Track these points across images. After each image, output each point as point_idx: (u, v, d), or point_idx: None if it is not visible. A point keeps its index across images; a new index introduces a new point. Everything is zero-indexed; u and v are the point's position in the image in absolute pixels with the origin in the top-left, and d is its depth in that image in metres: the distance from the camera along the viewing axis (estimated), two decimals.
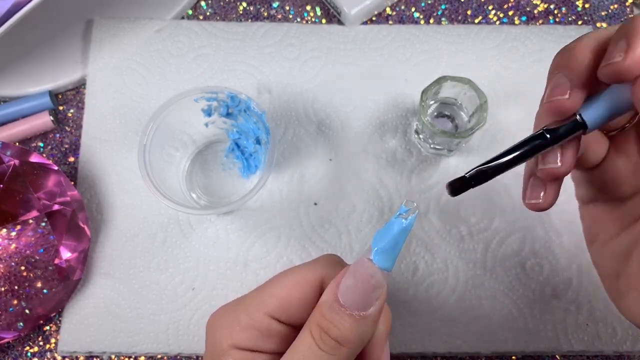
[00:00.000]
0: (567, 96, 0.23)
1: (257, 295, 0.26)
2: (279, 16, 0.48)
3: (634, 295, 0.25)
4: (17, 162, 0.39)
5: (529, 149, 0.24)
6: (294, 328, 0.25)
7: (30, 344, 0.41)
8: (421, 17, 0.47)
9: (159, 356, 0.40)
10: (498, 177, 0.44)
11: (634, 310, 0.25)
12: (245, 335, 0.25)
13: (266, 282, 0.26)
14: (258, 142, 0.40)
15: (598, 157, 0.27)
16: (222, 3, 0.48)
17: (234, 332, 0.25)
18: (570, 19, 0.47)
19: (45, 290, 0.39)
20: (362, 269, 0.23)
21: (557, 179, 0.25)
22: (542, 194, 0.26)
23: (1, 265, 0.39)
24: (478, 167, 0.25)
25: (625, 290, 0.25)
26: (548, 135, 0.24)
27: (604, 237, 0.27)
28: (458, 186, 0.26)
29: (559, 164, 0.24)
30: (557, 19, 0.47)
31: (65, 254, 0.39)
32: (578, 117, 0.23)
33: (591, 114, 0.23)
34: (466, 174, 0.25)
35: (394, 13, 0.47)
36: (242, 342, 0.25)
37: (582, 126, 0.23)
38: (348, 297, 0.23)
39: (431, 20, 0.47)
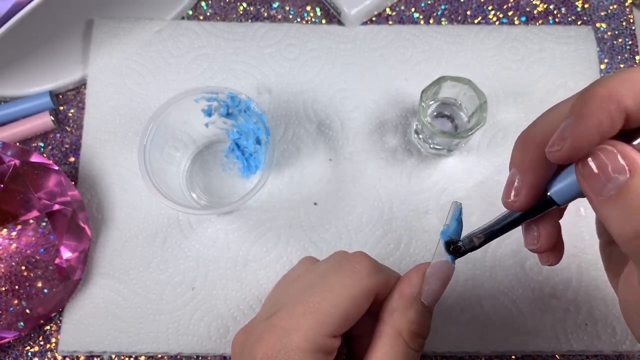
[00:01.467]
0: (514, 198, 0.24)
1: (314, 320, 0.25)
2: (279, 16, 0.48)
3: (625, 297, 0.25)
4: (17, 162, 0.39)
5: (508, 223, 0.26)
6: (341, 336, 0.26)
7: (31, 343, 0.41)
8: (421, 17, 0.47)
9: (159, 356, 0.40)
10: (497, 178, 0.44)
11: (624, 311, 0.25)
12: None
13: (315, 303, 0.25)
14: (258, 142, 0.40)
15: None
16: (222, 3, 0.48)
17: None
18: (569, 19, 0.47)
19: (45, 290, 0.39)
20: (449, 273, 0.26)
21: (545, 252, 0.27)
22: (536, 241, 0.27)
23: (2, 265, 0.39)
24: (470, 236, 0.28)
25: (620, 292, 0.25)
26: (519, 215, 0.25)
27: (608, 236, 0.28)
28: (455, 251, 0.28)
29: (538, 245, 0.26)
30: (556, 19, 0.47)
31: (66, 254, 0.39)
32: (548, 195, 0.24)
33: (560, 191, 0.24)
34: (460, 243, 0.28)
35: (394, 13, 0.47)
36: None
37: (554, 203, 0.24)
38: (433, 298, 0.26)
39: (431, 21, 0.47)
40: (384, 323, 0.26)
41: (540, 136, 0.23)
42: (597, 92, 0.20)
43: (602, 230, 0.28)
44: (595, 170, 0.20)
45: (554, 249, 0.27)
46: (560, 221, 0.43)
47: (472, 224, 0.42)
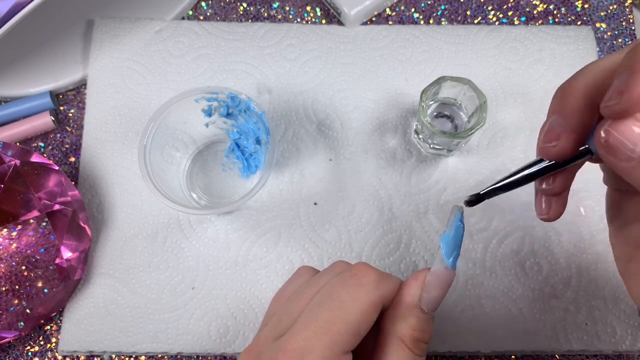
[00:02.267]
0: (554, 144, 0.24)
1: (327, 339, 0.24)
2: (279, 16, 0.48)
3: (638, 281, 0.25)
4: (17, 162, 0.39)
5: (535, 172, 0.26)
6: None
7: (31, 343, 0.41)
8: (421, 17, 0.47)
9: (159, 355, 0.40)
10: (498, 178, 0.44)
11: (635, 294, 0.25)
12: None
13: (320, 316, 0.25)
14: (258, 142, 0.40)
15: None
16: (222, 3, 0.48)
17: None
18: (569, 19, 0.47)
19: (46, 290, 0.39)
20: (448, 280, 0.26)
21: (556, 195, 0.27)
22: (549, 209, 0.28)
23: (2, 265, 0.39)
24: (491, 186, 0.28)
25: (634, 274, 0.26)
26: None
27: (622, 221, 0.28)
28: (474, 200, 0.28)
29: (551, 185, 0.27)
30: (556, 19, 0.47)
31: (66, 254, 0.39)
32: (586, 146, 0.24)
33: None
34: (481, 191, 0.28)
35: (394, 13, 0.47)
36: None
37: (589, 152, 0.24)
38: (433, 305, 0.26)
39: (431, 21, 0.47)
40: (386, 332, 0.27)
41: (585, 85, 0.23)
42: None
43: (613, 216, 0.28)
44: (619, 140, 0.20)
45: (560, 199, 0.27)
46: (560, 221, 0.43)
47: (472, 224, 0.42)
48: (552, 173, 0.26)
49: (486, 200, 0.42)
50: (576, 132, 0.24)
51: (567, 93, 0.24)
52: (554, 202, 0.27)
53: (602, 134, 0.21)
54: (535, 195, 0.28)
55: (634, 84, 0.20)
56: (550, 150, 0.24)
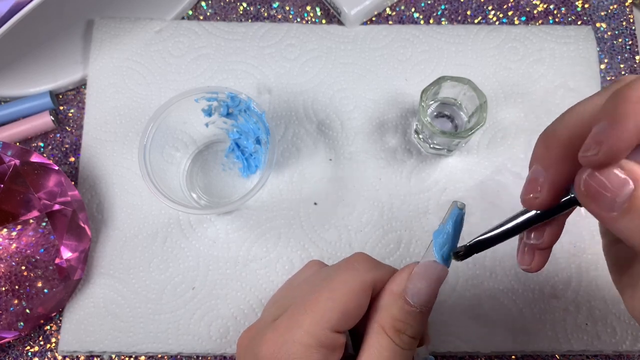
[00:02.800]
0: (536, 195, 0.23)
1: (315, 314, 0.25)
2: (279, 16, 0.48)
3: (632, 294, 0.25)
4: (17, 162, 0.39)
5: (522, 222, 0.25)
6: (345, 333, 0.26)
7: (31, 343, 0.41)
8: (421, 17, 0.47)
9: (159, 356, 0.40)
10: (498, 178, 0.44)
11: (630, 305, 0.25)
12: (317, 356, 0.25)
13: (314, 299, 0.26)
14: (258, 142, 0.40)
15: None
16: (222, 3, 0.48)
17: (305, 356, 0.24)
18: (569, 19, 0.47)
19: (45, 290, 0.39)
20: (436, 272, 0.26)
21: (544, 249, 0.26)
22: (531, 260, 0.27)
23: (2, 265, 0.39)
24: (476, 238, 0.26)
25: (627, 286, 0.26)
26: (538, 211, 0.24)
27: (613, 236, 0.28)
28: (464, 254, 0.27)
29: (540, 240, 0.26)
30: (556, 19, 0.47)
31: (66, 254, 0.39)
32: (571, 196, 0.23)
33: None
34: (467, 243, 0.27)
35: (394, 13, 0.47)
36: None
37: (575, 201, 0.23)
38: (420, 298, 0.26)
39: (431, 21, 0.47)
40: (371, 318, 0.27)
41: (566, 134, 0.23)
42: (628, 95, 0.19)
43: (607, 230, 0.28)
44: (600, 189, 0.20)
45: (545, 252, 0.27)
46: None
47: (472, 224, 0.42)
48: (540, 224, 0.25)
49: (486, 200, 0.42)
50: (558, 183, 0.23)
51: (549, 141, 0.23)
52: (538, 254, 0.27)
53: (584, 179, 0.20)
54: (519, 245, 0.27)
55: (614, 134, 0.19)
56: (532, 201, 0.24)
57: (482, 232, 0.26)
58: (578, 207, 0.40)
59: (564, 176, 0.23)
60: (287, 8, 0.48)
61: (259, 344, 0.26)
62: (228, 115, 0.40)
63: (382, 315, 0.26)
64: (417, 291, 0.26)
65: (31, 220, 0.40)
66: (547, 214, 0.24)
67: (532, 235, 0.26)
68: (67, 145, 0.45)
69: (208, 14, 0.48)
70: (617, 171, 0.19)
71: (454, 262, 0.41)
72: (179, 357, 0.40)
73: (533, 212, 0.24)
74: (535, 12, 0.47)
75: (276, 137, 0.43)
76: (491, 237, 0.26)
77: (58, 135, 0.45)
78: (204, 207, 0.41)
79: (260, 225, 0.42)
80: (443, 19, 0.47)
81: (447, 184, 0.42)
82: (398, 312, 0.26)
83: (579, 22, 0.47)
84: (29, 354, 0.41)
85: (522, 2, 0.48)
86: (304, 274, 0.31)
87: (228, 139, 0.43)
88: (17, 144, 0.45)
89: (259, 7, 0.48)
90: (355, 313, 0.26)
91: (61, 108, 0.46)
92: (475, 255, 0.41)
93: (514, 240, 0.41)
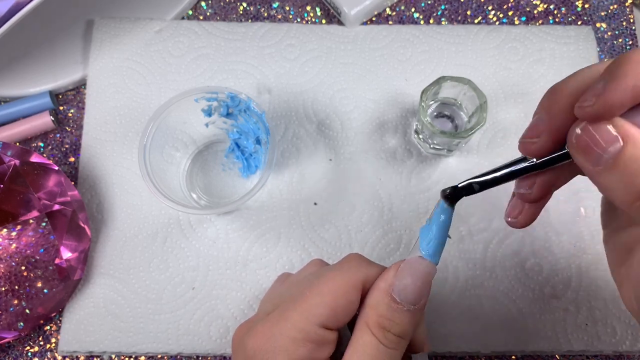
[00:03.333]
0: (535, 139, 0.24)
1: (303, 309, 0.25)
2: (279, 16, 0.48)
3: (628, 285, 0.25)
4: (17, 162, 0.39)
5: (517, 170, 0.25)
6: (338, 331, 0.26)
7: (31, 343, 0.41)
8: (421, 17, 0.47)
9: (159, 356, 0.40)
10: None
11: (626, 298, 0.25)
12: (304, 351, 0.25)
13: (303, 294, 0.26)
14: (258, 142, 0.40)
15: None
16: (222, 3, 0.48)
17: (292, 350, 0.25)
18: (570, 19, 0.47)
19: (45, 290, 0.39)
20: (421, 268, 0.25)
21: (531, 202, 0.27)
22: (518, 213, 0.27)
23: (2, 265, 0.39)
24: (470, 179, 0.26)
25: (625, 278, 0.26)
26: (535, 160, 0.25)
27: (615, 225, 0.28)
28: (450, 194, 0.27)
29: (530, 190, 0.26)
30: (556, 19, 0.47)
31: (66, 254, 0.39)
32: (566, 149, 0.23)
33: None
34: (458, 184, 0.26)
35: (394, 13, 0.47)
36: (301, 357, 0.25)
37: (568, 156, 0.24)
38: (406, 295, 0.25)
39: (431, 21, 0.47)
40: (359, 315, 0.27)
41: (572, 88, 0.23)
42: (632, 57, 0.20)
43: (607, 221, 0.28)
44: (590, 143, 0.21)
45: (533, 207, 0.27)
46: (560, 221, 0.43)
47: (472, 224, 0.42)
48: (532, 174, 0.25)
49: (486, 201, 0.42)
50: (558, 133, 0.23)
51: (556, 93, 0.24)
52: (527, 208, 0.27)
53: (577, 131, 0.21)
54: (511, 199, 0.28)
55: (611, 88, 0.20)
56: (529, 146, 0.24)
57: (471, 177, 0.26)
58: (579, 207, 0.40)
59: (563, 127, 0.23)
60: (287, 8, 0.48)
61: (249, 336, 0.26)
62: (228, 115, 0.40)
63: (368, 311, 0.26)
64: (404, 288, 0.25)
65: (31, 221, 0.40)
66: (541, 165, 0.24)
67: (523, 184, 0.26)
68: (67, 145, 0.45)
69: (208, 14, 0.48)
70: (609, 127, 0.20)
71: (454, 263, 0.41)
72: (179, 357, 0.40)
73: (526, 163, 0.25)
74: (535, 12, 0.47)
75: (276, 137, 0.43)
76: (482, 181, 0.26)
77: (58, 135, 0.45)
78: (204, 207, 0.41)
79: (260, 225, 0.42)
80: (443, 19, 0.47)
81: (447, 184, 0.42)
82: (384, 309, 0.25)
83: (579, 22, 0.47)
84: (29, 354, 0.41)
85: (522, 2, 0.48)
86: (304, 272, 0.32)
87: (228, 139, 0.43)
88: (17, 144, 0.45)
89: (259, 7, 0.48)
90: (345, 310, 0.26)
91: (61, 108, 0.46)
92: (475, 255, 0.41)
93: (515, 241, 0.41)
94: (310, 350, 0.25)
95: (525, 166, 0.25)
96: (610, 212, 0.28)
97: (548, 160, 0.24)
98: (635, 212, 0.21)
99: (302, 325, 0.25)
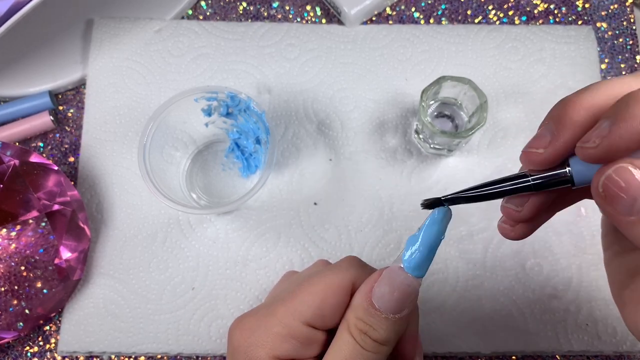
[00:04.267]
0: (541, 151, 0.22)
1: (290, 305, 0.25)
2: (279, 16, 0.48)
3: (633, 308, 0.25)
4: (17, 162, 0.39)
5: (510, 188, 0.23)
6: (328, 331, 0.26)
7: (30, 344, 0.41)
8: (421, 17, 0.47)
9: (159, 356, 0.40)
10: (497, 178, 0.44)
11: (630, 321, 0.25)
12: (287, 347, 0.25)
13: (293, 291, 0.26)
14: (258, 142, 0.40)
15: None
16: (222, 3, 0.48)
17: (275, 344, 0.25)
18: (570, 18, 0.47)
19: (45, 290, 0.39)
20: (399, 280, 0.24)
21: (520, 222, 0.25)
22: (509, 230, 0.26)
23: (1, 265, 0.39)
24: (456, 193, 0.25)
25: (628, 301, 0.25)
26: (531, 180, 0.23)
27: (617, 248, 0.27)
28: (430, 204, 0.26)
29: (520, 209, 0.24)
30: (557, 19, 0.47)
31: (65, 254, 0.39)
32: (567, 171, 0.22)
33: (583, 171, 0.22)
34: (442, 197, 0.25)
35: (394, 13, 0.47)
36: (283, 353, 0.25)
37: (569, 181, 0.22)
38: (384, 303, 0.24)
39: (431, 20, 0.47)
40: (344, 316, 0.26)
41: (587, 103, 0.22)
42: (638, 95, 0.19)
43: (608, 244, 0.27)
44: (619, 192, 0.19)
45: (529, 228, 0.25)
46: (560, 221, 0.43)
47: (472, 224, 0.42)
48: (524, 195, 0.24)
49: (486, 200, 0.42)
50: (566, 146, 0.22)
51: (569, 105, 0.22)
52: (521, 225, 0.26)
53: (601, 184, 0.19)
54: (501, 210, 0.26)
55: (617, 132, 0.19)
56: (534, 156, 0.23)
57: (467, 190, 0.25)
58: (579, 207, 0.40)
59: (572, 142, 0.22)
60: (287, 8, 0.48)
61: (236, 328, 0.26)
62: (228, 115, 0.40)
63: (349, 312, 0.26)
64: (381, 296, 0.24)
65: (30, 221, 0.40)
66: (536, 186, 0.23)
67: (513, 200, 0.24)
68: (66, 145, 0.45)
69: (208, 13, 0.48)
70: (635, 171, 0.19)
71: (454, 263, 0.41)
72: (179, 357, 0.40)
73: (521, 181, 0.23)
74: (535, 11, 0.47)
75: (276, 137, 0.43)
76: (470, 195, 0.24)
77: (57, 135, 0.45)
78: (203, 207, 0.41)
79: (260, 225, 0.42)
80: (443, 19, 0.47)
81: (447, 184, 0.42)
82: (362, 312, 0.25)
83: (580, 22, 0.47)
84: (29, 354, 0.41)
85: (522, 2, 0.47)
86: (306, 271, 0.32)
87: (228, 138, 0.43)
88: (17, 144, 0.45)
89: (258, 6, 0.48)
90: (332, 310, 0.25)
91: (61, 108, 0.46)
92: (476, 256, 0.41)
93: (513, 241, 0.41)
94: (295, 347, 0.25)
95: (519, 187, 0.23)
96: (612, 235, 0.27)
97: (546, 181, 0.23)
98: None
99: (287, 322, 0.25)
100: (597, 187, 0.20)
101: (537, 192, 0.23)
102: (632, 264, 0.25)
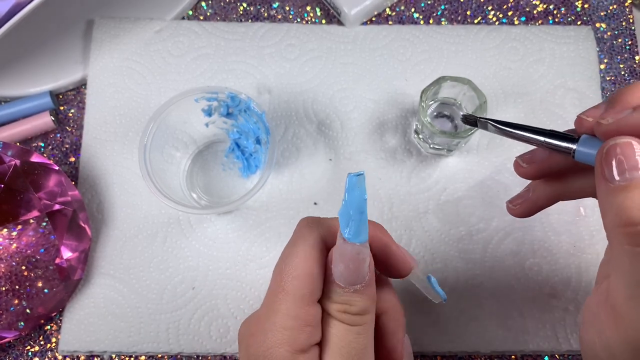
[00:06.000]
0: (591, 119, 0.26)
1: (285, 296, 0.25)
2: (279, 16, 0.48)
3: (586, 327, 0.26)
4: (18, 162, 0.39)
5: (530, 134, 0.29)
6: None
7: (31, 343, 0.41)
8: (421, 17, 0.47)
9: (159, 356, 0.40)
10: (497, 178, 0.44)
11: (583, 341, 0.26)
12: (304, 336, 0.25)
13: (280, 281, 0.25)
14: (258, 142, 0.40)
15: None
16: (222, 3, 0.48)
17: (292, 339, 0.24)
18: (569, 19, 0.47)
19: (46, 290, 0.39)
20: (347, 253, 0.25)
21: (522, 176, 0.31)
22: (519, 204, 0.32)
23: (2, 265, 0.39)
24: (490, 119, 0.31)
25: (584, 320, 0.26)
26: (547, 137, 0.28)
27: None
28: (468, 120, 0.34)
29: (526, 165, 0.31)
30: (556, 19, 0.47)
31: (66, 254, 0.39)
32: (575, 147, 0.26)
33: (586, 152, 0.26)
34: (479, 117, 0.32)
35: (394, 13, 0.47)
36: (304, 343, 0.25)
37: (569, 151, 0.27)
38: (345, 279, 0.25)
39: (431, 21, 0.47)
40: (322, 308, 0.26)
41: (630, 98, 0.25)
42: None
43: (604, 276, 0.28)
44: (613, 161, 0.22)
45: (529, 203, 0.32)
46: (559, 221, 0.43)
47: (472, 224, 0.42)
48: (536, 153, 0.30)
49: (486, 201, 0.42)
50: (619, 126, 0.24)
51: (628, 90, 0.25)
52: (526, 201, 0.32)
53: (609, 146, 0.23)
54: (521, 192, 0.32)
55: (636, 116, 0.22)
56: (583, 122, 0.26)
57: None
58: (578, 207, 0.41)
59: (625, 125, 0.24)
60: (287, 8, 0.48)
61: (247, 335, 0.26)
62: (228, 115, 0.40)
63: (324, 301, 0.26)
64: (340, 274, 0.25)
65: (31, 220, 0.40)
66: (547, 144, 0.28)
67: (525, 156, 0.31)
68: (67, 145, 0.45)
69: (208, 14, 0.48)
70: (637, 153, 0.22)
71: (454, 263, 0.41)
72: (179, 357, 0.40)
73: (540, 135, 0.28)
74: (535, 12, 0.47)
75: (276, 137, 0.43)
76: (502, 128, 0.30)
77: (58, 135, 0.45)
78: (204, 207, 0.41)
79: (260, 225, 0.42)
80: (443, 19, 0.47)
81: (447, 184, 0.42)
82: (334, 295, 0.25)
83: (579, 22, 0.47)
84: (29, 353, 0.41)
85: (522, 2, 0.48)
86: (282, 256, 0.31)
87: (228, 139, 0.43)
88: (17, 144, 0.45)
89: (259, 7, 0.48)
90: (318, 273, 0.25)
91: (61, 108, 0.46)
92: (475, 256, 0.41)
93: (514, 241, 0.41)
94: (311, 333, 0.25)
95: (539, 134, 0.28)
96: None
97: (555, 146, 0.27)
98: (615, 237, 0.22)
99: (294, 312, 0.25)
100: (602, 149, 0.23)
101: (545, 150, 0.29)
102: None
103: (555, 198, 0.31)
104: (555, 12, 0.47)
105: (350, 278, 0.25)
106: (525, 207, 0.32)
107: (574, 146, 0.26)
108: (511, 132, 0.30)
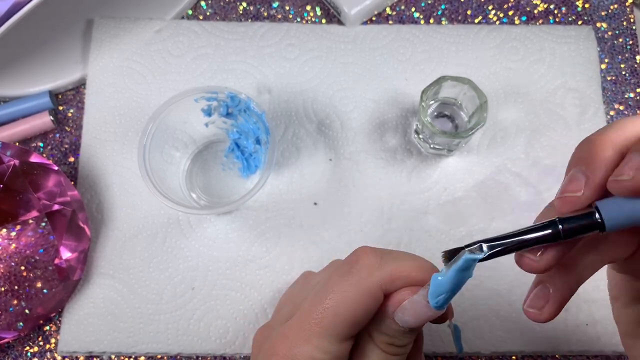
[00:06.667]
0: (579, 193, 0.22)
1: (319, 329, 0.24)
2: (279, 16, 0.48)
3: None
4: (17, 162, 0.39)
5: (536, 238, 0.22)
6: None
7: (30, 344, 0.41)
8: (421, 17, 0.47)
9: (159, 356, 0.40)
10: (498, 178, 0.44)
11: None
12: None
13: (322, 304, 0.25)
14: (258, 142, 0.40)
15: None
16: (222, 3, 0.48)
17: None
18: (570, 18, 0.47)
19: (45, 290, 0.39)
20: (423, 314, 0.24)
21: (535, 272, 0.24)
22: (543, 306, 0.25)
23: (1, 265, 0.39)
24: (479, 241, 0.23)
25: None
26: (560, 227, 0.22)
27: (625, 300, 0.27)
28: (452, 255, 0.24)
29: (537, 258, 0.23)
30: (557, 19, 0.47)
31: (65, 254, 0.39)
32: (597, 215, 0.21)
33: (613, 214, 0.21)
34: (465, 246, 0.23)
35: (394, 13, 0.47)
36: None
37: (598, 226, 0.21)
38: (407, 325, 0.25)
39: (431, 20, 0.47)
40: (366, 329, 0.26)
41: (616, 137, 0.21)
42: None
43: (617, 295, 0.27)
44: None
45: (558, 305, 0.24)
46: None
47: (472, 225, 0.42)
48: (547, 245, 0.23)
49: (486, 201, 0.42)
50: (602, 185, 0.21)
51: (597, 143, 0.22)
52: (553, 300, 0.24)
53: None
54: (532, 287, 0.25)
55: None
56: (571, 199, 0.22)
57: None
58: None
59: (606, 180, 0.21)
60: (287, 8, 0.48)
61: (270, 357, 0.25)
62: (228, 115, 0.40)
63: (371, 325, 0.26)
64: (405, 322, 0.25)
65: (30, 221, 0.40)
66: (568, 234, 0.22)
67: (530, 252, 0.23)
68: (66, 145, 0.45)
69: (208, 13, 0.48)
70: None
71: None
72: (178, 357, 0.40)
73: (546, 230, 0.22)
74: (535, 11, 0.47)
75: (276, 137, 0.43)
76: (495, 250, 0.23)
77: (57, 135, 0.45)
78: (203, 207, 0.41)
79: (259, 225, 0.42)
80: (443, 19, 0.47)
81: (447, 184, 0.42)
82: (386, 329, 0.25)
83: (580, 22, 0.47)
84: (29, 354, 0.41)
85: (522, 2, 0.48)
86: (322, 273, 0.31)
87: (228, 139, 0.43)
88: (17, 144, 0.45)
89: (258, 6, 0.48)
90: (365, 317, 0.25)
91: (61, 108, 0.46)
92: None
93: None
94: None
95: (549, 234, 0.22)
96: (621, 286, 0.27)
97: (577, 230, 0.22)
98: None
99: (327, 348, 0.24)
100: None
101: (567, 239, 0.22)
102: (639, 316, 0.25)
103: (576, 284, 0.25)
104: (556, 11, 0.47)
105: (412, 325, 0.25)
106: (554, 307, 0.25)
107: (596, 216, 0.21)
108: (510, 244, 0.23)
